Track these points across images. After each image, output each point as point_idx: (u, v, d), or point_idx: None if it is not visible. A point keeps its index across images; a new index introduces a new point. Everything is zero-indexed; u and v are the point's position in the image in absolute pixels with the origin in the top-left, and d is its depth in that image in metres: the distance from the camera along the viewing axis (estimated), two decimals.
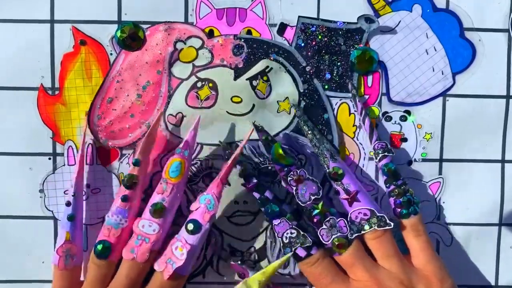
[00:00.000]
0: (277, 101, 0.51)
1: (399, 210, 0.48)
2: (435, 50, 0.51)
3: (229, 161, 0.47)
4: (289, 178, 0.48)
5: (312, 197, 0.47)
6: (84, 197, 0.51)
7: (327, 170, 0.48)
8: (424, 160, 0.52)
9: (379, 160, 0.49)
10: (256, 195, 0.48)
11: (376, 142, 0.50)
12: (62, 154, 0.51)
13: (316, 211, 0.47)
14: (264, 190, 0.48)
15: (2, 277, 0.52)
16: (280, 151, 0.47)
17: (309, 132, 0.49)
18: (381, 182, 0.52)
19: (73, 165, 0.51)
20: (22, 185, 0.51)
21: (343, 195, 0.48)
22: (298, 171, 0.47)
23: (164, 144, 0.51)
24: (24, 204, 0.51)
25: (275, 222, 0.48)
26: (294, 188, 0.48)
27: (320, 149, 0.49)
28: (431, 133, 0.52)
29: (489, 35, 0.51)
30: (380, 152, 0.49)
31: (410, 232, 0.48)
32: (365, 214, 0.47)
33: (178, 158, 0.47)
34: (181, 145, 0.47)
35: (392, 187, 0.49)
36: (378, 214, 0.47)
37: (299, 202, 0.48)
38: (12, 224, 0.52)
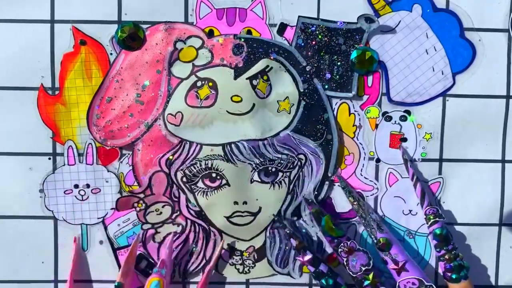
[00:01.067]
0: (277, 101, 0.51)
1: (449, 274, 0.49)
2: (435, 50, 0.51)
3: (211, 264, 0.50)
4: (339, 250, 0.49)
5: (363, 268, 0.49)
6: (84, 197, 0.51)
7: (375, 241, 0.49)
8: (424, 160, 0.52)
9: (430, 225, 0.50)
10: (311, 268, 0.49)
11: (428, 207, 0.50)
12: (62, 154, 0.51)
13: (367, 282, 0.49)
14: (319, 264, 0.49)
15: (2, 277, 0.52)
16: (331, 223, 0.49)
17: (355, 203, 0.50)
18: (381, 181, 0.52)
19: (73, 165, 0.51)
20: (22, 185, 0.51)
21: (391, 265, 0.49)
22: (349, 243, 0.49)
23: (162, 144, 0.51)
24: (24, 204, 0.51)
25: None
26: (345, 259, 0.49)
27: (367, 220, 0.50)
28: (431, 133, 0.52)
29: (489, 35, 0.51)
30: (431, 217, 0.50)
31: None
32: (413, 283, 0.49)
33: (156, 277, 0.48)
34: (158, 265, 0.49)
35: (442, 251, 0.49)
36: (426, 284, 0.48)
37: (350, 273, 0.49)
38: (12, 224, 0.52)
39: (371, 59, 0.50)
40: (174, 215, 0.52)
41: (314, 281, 0.53)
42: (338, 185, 0.52)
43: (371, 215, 0.50)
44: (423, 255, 0.53)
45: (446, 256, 0.49)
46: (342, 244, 0.49)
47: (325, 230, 0.49)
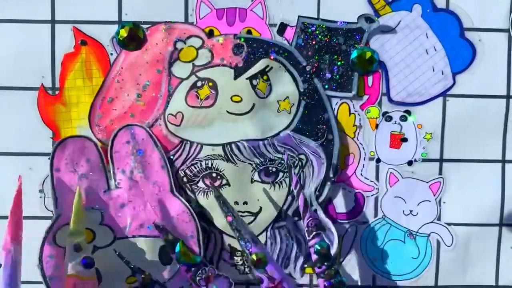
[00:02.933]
0: (277, 101, 0.51)
1: None
2: (435, 50, 0.51)
3: None
4: (197, 278, 0.46)
5: None
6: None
7: (248, 257, 0.46)
8: (424, 160, 0.52)
9: (312, 238, 0.47)
10: None
11: (310, 219, 0.47)
12: None
13: None
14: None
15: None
16: (185, 249, 0.46)
17: (229, 214, 0.47)
18: (382, 182, 0.52)
19: None
20: (22, 185, 0.51)
21: (266, 284, 0.47)
22: (207, 269, 0.46)
23: (163, 144, 0.51)
24: (23, 204, 0.51)
25: None
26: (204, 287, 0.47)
27: (241, 234, 0.47)
28: (431, 133, 0.52)
29: (489, 35, 0.51)
30: (313, 230, 0.47)
31: None
32: None
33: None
34: None
35: (323, 267, 0.47)
36: None
37: None
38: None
39: (371, 59, 0.50)
40: None
41: (314, 282, 0.53)
42: (213, 193, 0.50)
43: (246, 229, 0.47)
44: (424, 255, 0.53)
45: (326, 272, 0.46)
46: (199, 271, 0.46)
47: (179, 256, 0.46)
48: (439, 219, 0.53)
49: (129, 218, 0.50)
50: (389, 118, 0.52)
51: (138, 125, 0.49)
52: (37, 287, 0.52)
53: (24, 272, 0.51)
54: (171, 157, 0.51)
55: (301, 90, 0.51)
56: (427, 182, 0.52)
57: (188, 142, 0.51)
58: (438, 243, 0.53)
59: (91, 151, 0.49)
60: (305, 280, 0.53)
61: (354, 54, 0.50)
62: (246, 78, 0.50)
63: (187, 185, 0.51)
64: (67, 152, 0.48)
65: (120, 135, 0.49)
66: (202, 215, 0.52)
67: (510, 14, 0.51)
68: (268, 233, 0.52)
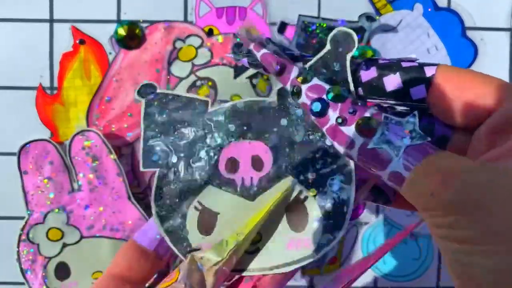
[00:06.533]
0: None
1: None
2: (437, 49, 0.51)
3: None
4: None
5: None
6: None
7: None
8: None
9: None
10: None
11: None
12: None
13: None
14: None
15: (3, 279, 0.53)
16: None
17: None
18: None
19: None
20: (20, 185, 0.51)
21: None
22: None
23: None
24: (23, 204, 0.51)
25: None
26: None
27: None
28: None
29: (491, 34, 0.51)
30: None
31: None
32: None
33: None
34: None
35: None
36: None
37: None
38: (11, 225, 0.51)
39: None
40: None
41: (314, 281, 0.53)
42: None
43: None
44: (425, 256, 0.53)
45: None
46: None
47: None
48: None
49: (92, 219, 0.50)
50: None
51: (92, 131, 0.49)
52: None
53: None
54: None
55: None
56: None
57: None
58: None
59: (52, 154, 0.49)
60: (305, 281, 0.53)
61: (355, 53, 0.50)
62: (246, 78, 0.50)
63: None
64: (30, 155, 0.49)
65: (75, 141, 0.49)
66: None
67: None
68: None
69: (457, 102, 0.28)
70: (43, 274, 0.50)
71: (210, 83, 0.50)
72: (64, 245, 0.50)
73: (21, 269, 0.50)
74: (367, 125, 0.28)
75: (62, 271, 0.50)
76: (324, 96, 0.30)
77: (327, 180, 0.34)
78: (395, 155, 0.27)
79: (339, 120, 0.29)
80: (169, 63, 0.50)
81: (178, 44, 0.50)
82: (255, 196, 0.35)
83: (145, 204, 0.51)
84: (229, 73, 0.50)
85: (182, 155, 0.36)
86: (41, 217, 0.50)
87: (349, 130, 0.29)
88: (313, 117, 0.30)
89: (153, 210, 0.36)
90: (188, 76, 0.50)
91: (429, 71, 0.29)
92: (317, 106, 0.30)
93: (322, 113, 0.29)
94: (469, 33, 0.51)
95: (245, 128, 0.35)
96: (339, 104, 0.29)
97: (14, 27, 0.50)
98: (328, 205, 0.35)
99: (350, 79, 0.32)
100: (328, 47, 0.32)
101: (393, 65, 0.30)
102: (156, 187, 0.36)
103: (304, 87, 0.31)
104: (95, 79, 0.50)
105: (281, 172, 0.35)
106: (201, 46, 0.50)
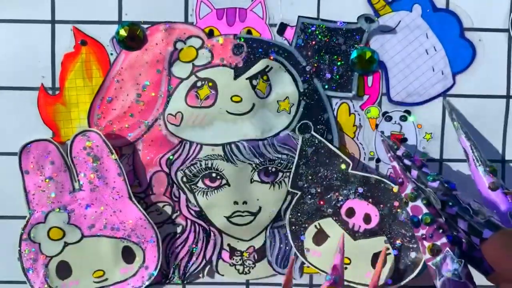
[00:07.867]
0: (277, 101, 0.51)
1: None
2: (435, 50, 0.51)
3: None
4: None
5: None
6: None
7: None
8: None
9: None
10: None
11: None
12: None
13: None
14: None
15: (4, 278, 0.53)
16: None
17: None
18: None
19: None
20: (22, 185, 0.51)
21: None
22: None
23: (163, 144, 0.51)
24: (24, 204, 0.51)
25: None
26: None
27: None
28: (431, 133, 0.52)
29: (489, 35, 0.51)
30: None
31: None
32: None
33: (330, 286, 0.45)
34: (330, 272, 0.46)
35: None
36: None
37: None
38: (13, 224, 0.51)
39: (371, 59, 0.50)
40: (174, 215, 0.52)
41: (314, 281, 0.53)
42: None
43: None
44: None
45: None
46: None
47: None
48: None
49: (93, 218, 0.50)
50: (389, 118, 0.52)
51: (93, 131, 0.49)
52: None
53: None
54: (171, 157, 0.51)
55: (301, 90, 0.51)
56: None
57: (188, 142, 0.51)
58: None
59: (53, 154, 0.49)
60: (305, 280, 0.53)
61: (354, 54, 0.50)
62: (246, 78, 0.50)
63: (187, 185, 0.51)
64: (32, 155, 0.49)
65: (76, 141, 0.49)
66: (201, 215, 0.52)
67: (510, 14, 0.51)
68: (268, 233, 0.52)
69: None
70: (45, 273, 0.50)
71: (210, 84, 0.50)
72: (65, 244, 0.51)
73: (23, 268, 0.51)
74: (432, 251, 0.45)
75: (63, 270, 0.51)
76: (420, 216, 0.46)
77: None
78: (438, 279, 0.45)
79: (423, 236, 0.46)
80: (170, 64, 0.50)
81: (179, 45, 0.50)
82: (356, 239, 0.51)
83: (146, 204, 0.52)
84: (230, 74, 0.50)
85: (319, 190, 0.51)
86: (43, 216, 0.50)
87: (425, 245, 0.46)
88: (410, 223, 0.48)
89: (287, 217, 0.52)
90: (188, 76, 0.50)
91: (486, 234, 0.42)
92: (414, 220, 0.46)
93: (416, 226, 0.46)
94: (468, 34, 0.51)
95: (369, 194, 0.50)
96: (427, 227, 0.46)
97: (16, 28, 0.50)
98: None
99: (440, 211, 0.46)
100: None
101: (467, 215, 0.44)
102: (295, 203, 0.51)
103: (410, 203, 0.47)
104: (96, 80, 0.50)
105: (379, 232, 0.51)
106: (201, 47, 0.50)
